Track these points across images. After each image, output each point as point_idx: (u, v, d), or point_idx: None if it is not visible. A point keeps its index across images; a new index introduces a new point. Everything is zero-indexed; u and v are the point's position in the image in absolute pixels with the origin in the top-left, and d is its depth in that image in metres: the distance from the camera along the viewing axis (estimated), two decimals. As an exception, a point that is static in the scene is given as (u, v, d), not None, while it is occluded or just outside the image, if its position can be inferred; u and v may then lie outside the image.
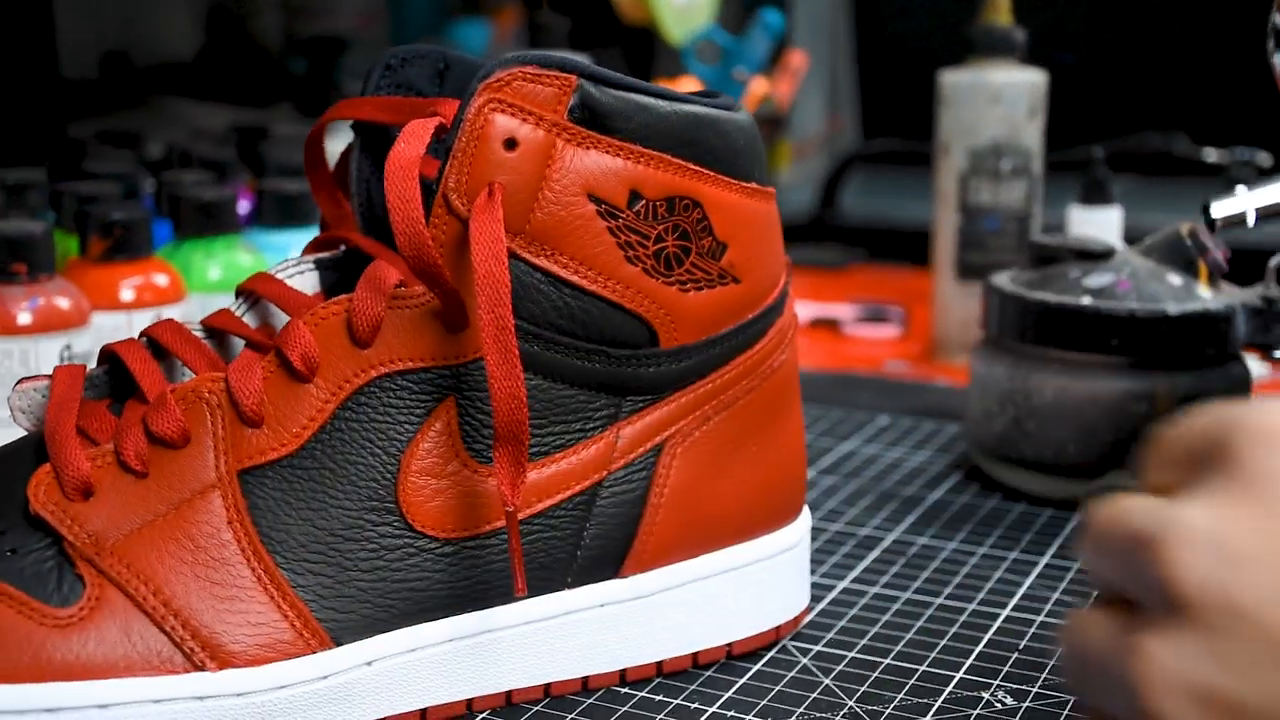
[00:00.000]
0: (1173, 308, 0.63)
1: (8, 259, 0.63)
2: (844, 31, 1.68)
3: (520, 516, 0.46)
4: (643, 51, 1.26)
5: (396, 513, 0.45)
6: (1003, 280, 0.69)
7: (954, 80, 0.91)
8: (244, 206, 0.86)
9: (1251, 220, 0.50)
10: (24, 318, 0.63)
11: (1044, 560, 0.60)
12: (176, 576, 0.43)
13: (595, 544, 0.48)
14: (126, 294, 0.68)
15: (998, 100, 0.89)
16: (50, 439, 0.45)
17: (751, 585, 0.51)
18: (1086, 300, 0.64)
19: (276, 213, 0.79)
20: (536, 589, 0.47)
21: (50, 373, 0.49)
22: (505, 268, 0.43)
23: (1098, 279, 0.65)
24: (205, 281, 0.72)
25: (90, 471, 0.44)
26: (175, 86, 1.40)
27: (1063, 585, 0.57)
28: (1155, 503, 0.33)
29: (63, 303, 0.64)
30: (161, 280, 0.69)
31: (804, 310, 1.01)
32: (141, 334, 0.49)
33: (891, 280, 1.14)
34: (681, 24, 1.21)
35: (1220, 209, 0.52)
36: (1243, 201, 0.53)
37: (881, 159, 1.47)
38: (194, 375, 0.47)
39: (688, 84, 1.17)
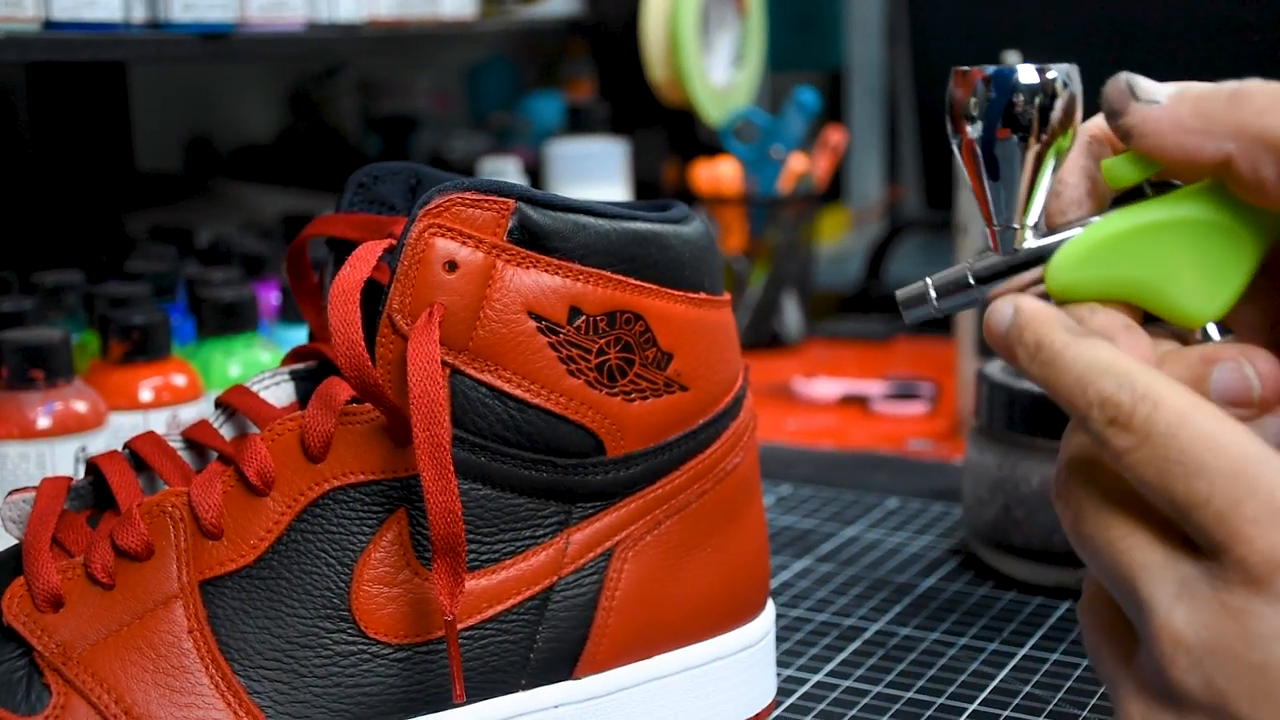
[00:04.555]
0: (1154, 397, 0.63)
1: (26, 365, 0.66)
2: (908, 103, 1.69)
3: (472, 621, 0.48)
4: (684, 132, 1.28)
5: (350, 620, 0.47)
6: (993, 369, 0.70)
7: (970, 162, 0.92)
8: (277, 298, 0.89)
9: (934, 300, 0.44)
10: (42, 422, 0.66)
11: (1021, 652, 0.60)
12: (138, 684, 0.45)
13: (548, 647, 0.49)
14: (145, 394, 0.71)
15: (1014, 181, 0.90)
16: (26, 551, 0.47)
17: (709, 684, 0.52)
18: (1070, 390, 0.65)
19: (298, 309, 0.81)
20: (490, 691, 0.49)
21: (38, 485, 0.51)
22: (440, 387, 0.45)
23: (1082, 368, 0.66)
24: (226, 379, 0.75)
25: (60, 584, 0.46)
26: (248, 173, 1.44)
27: (1034, 679, 0.58)
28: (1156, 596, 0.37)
29: (80, 406, 0.67)
30: (179, 380, 0.72)
31: (833, 387, 1.02)
32: (125, 445, 0.52)
33: (931, 353, 1.14)
34: (720, 105, 1.23)
35: (902, 293, 0.45)
36: (922, 284, 0.43)
37: (942, 228, 1.47)
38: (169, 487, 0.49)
39: (727, 163, 1.19)
